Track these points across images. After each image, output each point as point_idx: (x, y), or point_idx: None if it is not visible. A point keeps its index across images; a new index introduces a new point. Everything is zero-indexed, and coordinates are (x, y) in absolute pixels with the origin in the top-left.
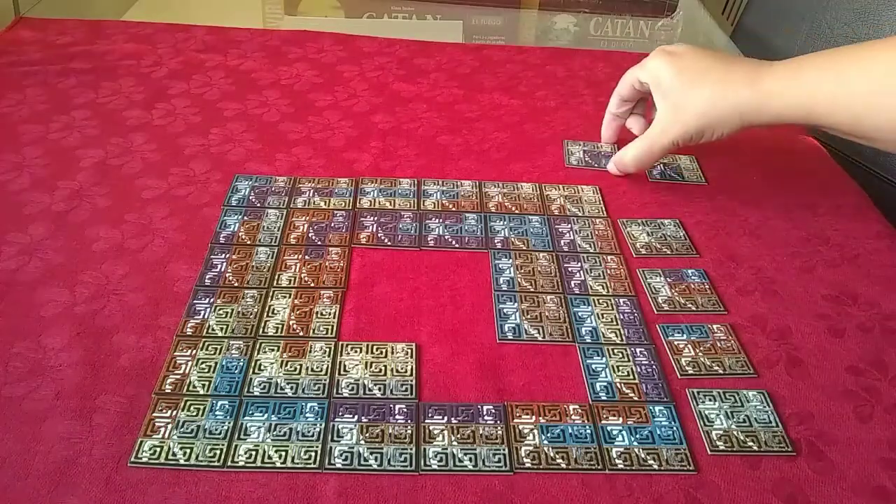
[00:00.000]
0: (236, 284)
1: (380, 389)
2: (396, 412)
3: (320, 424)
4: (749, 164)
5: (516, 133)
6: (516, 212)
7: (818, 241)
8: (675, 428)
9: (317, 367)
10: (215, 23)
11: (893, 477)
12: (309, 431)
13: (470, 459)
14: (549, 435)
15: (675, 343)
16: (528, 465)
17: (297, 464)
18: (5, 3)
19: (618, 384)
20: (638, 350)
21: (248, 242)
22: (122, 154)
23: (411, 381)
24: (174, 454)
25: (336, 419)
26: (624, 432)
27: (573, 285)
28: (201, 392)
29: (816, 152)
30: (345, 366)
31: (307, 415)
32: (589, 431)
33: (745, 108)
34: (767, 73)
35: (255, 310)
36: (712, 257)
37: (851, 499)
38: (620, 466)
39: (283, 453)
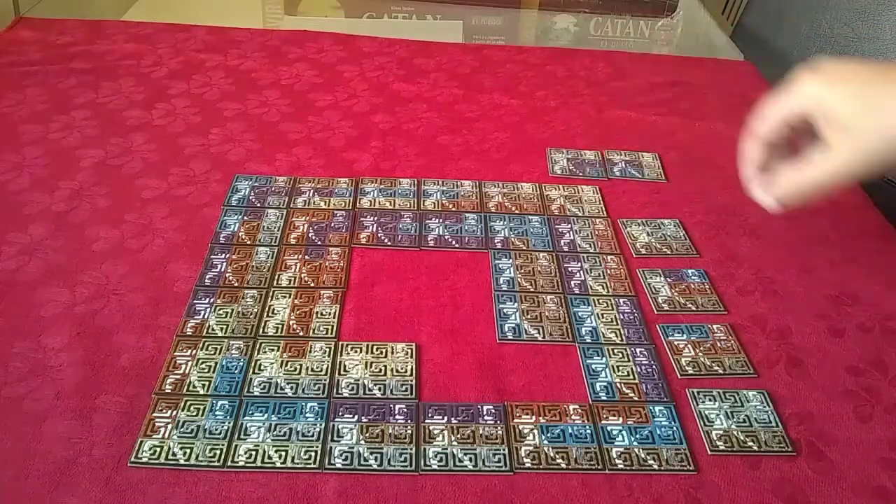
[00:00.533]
0: (236, 284)
1: (380, 389)
2: (396, 412)
3: (320, 424)
4: None
5: (516, 133)
6: (516, 212)
7: (818, 241)
8: (675, 428)
9: (317, 367)
10: (215, 23)
11: (893, 477)
12: (309, 431)
13: (470, 459)
14: (549, 435)
15: (675, 343)
16: (528, 465)
17: (297, 464)
18: (5, 3)
19: (618, 384)
20: (638, 350)
21: (248, 242)
22: (122, 154)
23: (411, 381)
24: (174, 454)
25: (336, 419)
26: (624, 432)
27: (573, 285)
28: (201, 392)
29: None
30: (345, 366)
31: (307, 415)
32: (589, 431)
33: None
34: None
35: (255, 310)
36: (712, 257)
37: (851, 499)
38: (620, 466)
39: (283, 453)
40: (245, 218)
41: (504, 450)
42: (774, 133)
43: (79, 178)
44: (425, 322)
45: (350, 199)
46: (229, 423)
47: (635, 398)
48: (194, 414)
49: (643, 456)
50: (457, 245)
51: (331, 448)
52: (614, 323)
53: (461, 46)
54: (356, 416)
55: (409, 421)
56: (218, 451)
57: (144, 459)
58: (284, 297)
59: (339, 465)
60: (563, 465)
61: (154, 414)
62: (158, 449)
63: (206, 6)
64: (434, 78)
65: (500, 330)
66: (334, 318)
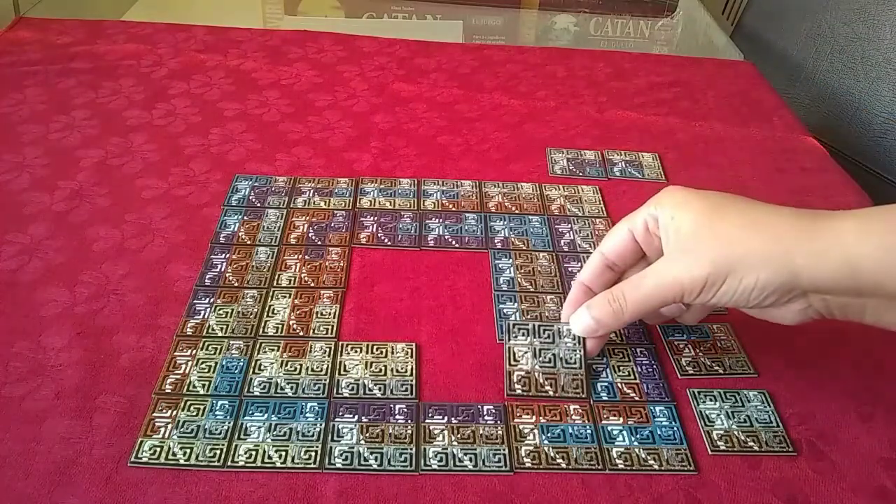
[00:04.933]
0: (236, 284)
1: (380, 389)
2: (396, 412)
3: (320, 424)
4: (749, 165)
5: (516, 133)
6: (516, 212)
7: None
8: (675, 428)
9: (317, 367)
10: (215, 23)
11: (894, 477)
12: (309, 431)
13: (470, 459)
14: (549, 435)
15: (676, 343)
16: (528, 464)
17: (297, 464)
18: (5, 3)
19: (618, 384)
20: (638, 350)
21: (248, 242)
22: (122, 154)
23: (411, 381)
24: (174, 454)
25: (336, 419)
26: (624, 432)
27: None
28: (201, 392)
29: (816, 152)
30: (345, 366)
31: (307, 415)
32: (589, 431)
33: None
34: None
35: (255, 310)
36: None
37: (852, 499)
38: (621, 466)
39: (283, 453)
40: (245, 218)
41: (504, 450)
42: (616, 252)
43: (79, 178)
44: (425, 322)
45: (350, 199)
46: (229, 423)
47: (636, 398)
48: (194, 414)
49: (643, 456)
50: (457, 245)
51: (331, 448)
52: None
53: (461, 46)
54: (356, 416)
55: (409, 421)
56: (218, 451)
57: (144, 459)
58: (284, 297)
59: (339, 465)
60: (564, 465)
61: (154, 414)
62: (158, 449)
63: (206, 6)
64: (434, 78)
65: (500, 330)
66: (334, 318)
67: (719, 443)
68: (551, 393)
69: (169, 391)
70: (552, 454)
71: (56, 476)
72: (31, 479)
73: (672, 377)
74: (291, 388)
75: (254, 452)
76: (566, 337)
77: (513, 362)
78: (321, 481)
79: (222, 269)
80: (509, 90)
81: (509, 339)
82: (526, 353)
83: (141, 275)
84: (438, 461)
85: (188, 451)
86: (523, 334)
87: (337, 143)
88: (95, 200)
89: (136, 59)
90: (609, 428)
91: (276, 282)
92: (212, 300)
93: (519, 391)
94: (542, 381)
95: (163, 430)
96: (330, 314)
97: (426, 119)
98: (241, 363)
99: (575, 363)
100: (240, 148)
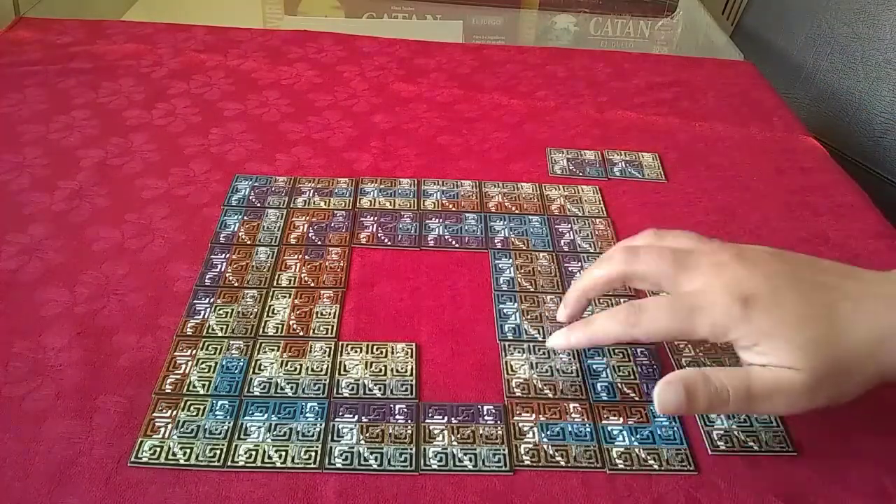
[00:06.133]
0: (236, 284)
1: (380, 389)
2: (396, 412)
3: (320, 424)
4: (749, 165)
5: (516, 133)
6: (516, 212)
7: (818, 241)
8: (675, 428)
9: (317, 367)
10: (215, 23)
11: (894, 477)
12: (309, 431)
13: (470, 459)
14: (548, 433)
15: (676, 343)
16: (527, 462)
17: (297, 464)
18: (5, 3)
19: (618, 384)
20: (638, 350)
21: (248, 242)
22: (122, 154)
23: (411, 381)
24: (174, 454)
25: (336, 419)
26: (624, 432)
27: None
28: (201, 392)
29: (816, 152)
30: (345, 366)
31: (307, 415)
32: (589, 430)
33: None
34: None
35: (255, 310)
36: None
37: (852, 499)
38: (621, 466)
39: (283, 453)
40: (245, 218)
41: (504, 450)
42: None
43: (79, 178)
44: (425, 322)
45: (350, 199)
46: (229, 423)
47: (636, 398)
48: (194, 414)
49: (643, 456)
50: (457, 245)
51: (331, 448)
52: None
53: (461, 46)
54: (356, 416)
55: (409, 421)
56: (218, 451)
57: (144, 459)
58: (284, 297)
59: (339, 465)
60: (563, 463)
61: (154, 414)
62: (158, 449)
63: (206, 6)
64: (434, 78)
65: (500, 330)
66: (334, 318)
67: (719, 443)
68: (551, 396)
69: (169, 391)
70: (551, 452)
71: (56, 476)
72: (31, 479)
73: None
74: (291, 388)
75: (254, 452)
76: (561, 354)
77: (510, 372)
78: (321, 481)
79: (222, 269)
80: (509, 90)
81: (505, 356)
82: (523, 365)
83: (141, 275)
84: (438, 461)
85: (188, 451)
86: (519, 351)
87: (337, 143)
88: (95, 200)
89: (136, 59)
90: (609, 428)
91: (276, 282)
92: (212, 300)
93: (518, 394)
94: (540, 386)
95: (163, 430)
96: (330, 314)
97: (426, 119)
98: (241, 363)
99: (572, 373)
100: (240, 148)
